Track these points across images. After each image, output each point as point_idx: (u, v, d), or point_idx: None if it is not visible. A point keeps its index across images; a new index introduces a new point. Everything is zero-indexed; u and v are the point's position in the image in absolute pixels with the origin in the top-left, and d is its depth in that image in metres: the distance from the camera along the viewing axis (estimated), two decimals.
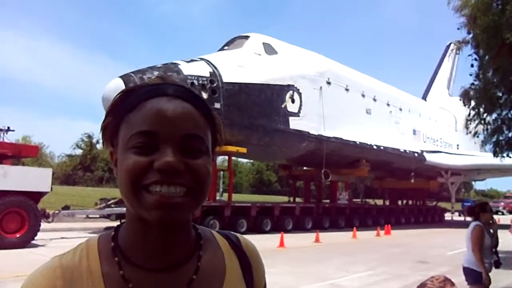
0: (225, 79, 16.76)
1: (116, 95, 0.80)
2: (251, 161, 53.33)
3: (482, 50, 11.57)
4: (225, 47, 19.44)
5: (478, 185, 73.21)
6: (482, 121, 12.95)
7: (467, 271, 5.02)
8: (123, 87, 14.49)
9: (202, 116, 0.78)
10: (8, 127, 13.44)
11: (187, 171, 0.73)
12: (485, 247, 4.90)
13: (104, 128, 0.81)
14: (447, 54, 40.83)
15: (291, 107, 19.15)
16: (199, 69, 16.52)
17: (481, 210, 5.07)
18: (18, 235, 11.24)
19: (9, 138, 13.58)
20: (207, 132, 0.79)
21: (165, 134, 0.73)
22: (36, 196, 11.85)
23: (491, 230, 5.16)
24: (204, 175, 0.75)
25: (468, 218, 5.39)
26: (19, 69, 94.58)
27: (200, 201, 0.76)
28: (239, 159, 44.64)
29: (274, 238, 14.55)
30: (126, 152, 0.74)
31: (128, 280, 0.76)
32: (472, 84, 12.61)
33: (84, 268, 0.77)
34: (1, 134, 13.18)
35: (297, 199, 27.05)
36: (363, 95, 23.88)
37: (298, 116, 19.40)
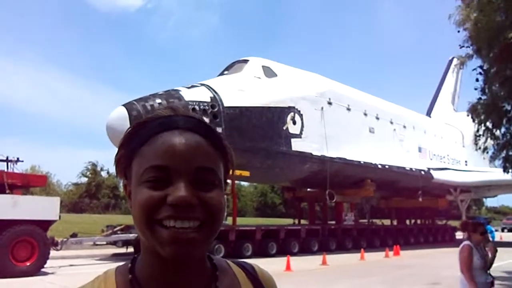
0: (226, 104, 16.90)
1: (128, 128, 0.81)
2: (254, 184, 53.13)
3: (487, 63, 11.56)
4: (225, 72, 19.68)
5: (489, 202, 72.23)
6: (491, 136, 12.79)
7: None
8: (126, 115, 14.70)
9: (214, 148, 0.79)
10: (18, 158, 13.66)
11: (200, 205, 0.74)
12: (475, 267, 4.79)
13: (117, 161, 0.82)
14: (450, 69, 40.69)
15: (293, 129, 19.16)
16: (200, 95, 16.71)
17: (472, 231, 4.96)
18: (28, 263, 11.41)
19: (18, 168, 13.77)
20: (219, 163, 0.79)
21: (178, 168, 0.74)
22: (45, 224, 12.06)
23: (487, 249, 5.05)
24: (218, 208, 0.76)
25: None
26: (24, 100, 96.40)
27: (214, 234, 0.77)
28: (242, 183, 44.49)
29: (280, 261, 14.32)
30: (139, 186, 0.75)
31: None
32: (479, 98, 12.54)
33: None
34: (10, 165, 13.29)
35: (302, 221, 26.77)
36: (365, 114, 23.86)
37: (300, 137, 19.39)
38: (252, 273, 0.92)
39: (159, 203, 0.73)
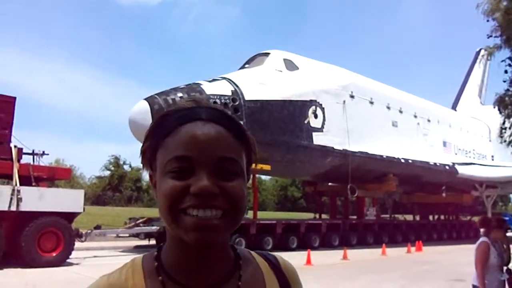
0: (247, 97, 16.88)
1: (154, 120, 0.83)
2: (275, 178, 53.10)
3: None
4: (246, 65, 19.62)
5: None
6: None
7: None
8: (148, 109, 14.87)
9: (236, 138, 0.80)
10: (43, 151, 13.92)
11: (222, 194, 0.75)
12: (490, 265, 4.72)
13: (143, 152, 0.84)
14: (477, 61, 39.58)
15: (314, 123, 19.01)
16: (221, 88, 16.73)
17: (497, 226, 4.85)
18: (54, 254, 11.75)
19: (44, 161, 14.06)
20: (241, 153, 0.81)
21: (200, 158, 0.76)
22: (70, 216, 12.37)
23: (504, 246, 4.96)
24: (239, 197, 0.77)
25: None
26: (49, 95, 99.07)
27: (236, 223, 0.79)
28: (263, 176, 44.51)
29: (301, 255, 14.29)
30: (163, 176, 0.77)
31: None
32: (507, 90, 12.24)
33: (130, 286, 0.80)
34: (36, 158, 13.54)
35: (323, 216, 26.65)
36: (388, 107, 23.48)
37: (322, 131, 19.23)
38: (275, 264, 0.93)
39: (183, 193, 0.74)
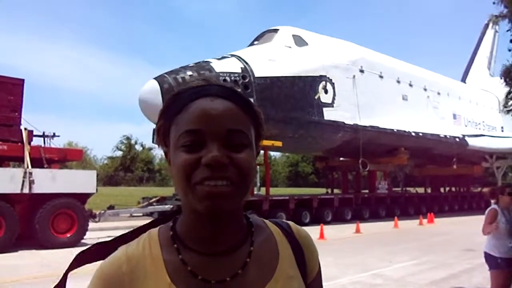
0: (256, 74, 16.80)
1: (167, 99, 0.87)
2: (286, 154, 53.21)
3: None
4: (255, 42, 19.44)
5: None
6: None
7: (486, 256, 5.10)
8: (158, 88, 14.88)
9: (244, 112, 0.84)
10: (54, 133, 13.80)
11: (232, 165, 0.79)
12: (500, 232, 4.89)
13: (157, 131, 0.88)
14: (486, 33, 39.00)
15: (325, 98, 18.93)
16: (230, 66, 16.64)
17: (500, 193, 5.06)
18: (68, 235, 11.71)
19: (55, 143, 14.01)
20: (250, 127, 0.85)
21: (210, 131, 0.79)
22: (83, 197, 12.27)
23: None
24: (247, 168, 0.81)
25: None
26: (60, 77, 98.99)
27: (244, 192, 0.83)
28: (274, 153, 44.70)
29: (314, 230, 14.42)
30: (176, 151, 0.82)
31: (186, 263, 0.83)
32: None
33: (147, 255, 0.85)
34: (47, 140, 13.49)
35: (335, 190, 26.83)
36: (398, 81, 23.28)
37: (332, 106, 19.16)
38: (287, 230, 0.96)
39: (195, 165, 0.79)
